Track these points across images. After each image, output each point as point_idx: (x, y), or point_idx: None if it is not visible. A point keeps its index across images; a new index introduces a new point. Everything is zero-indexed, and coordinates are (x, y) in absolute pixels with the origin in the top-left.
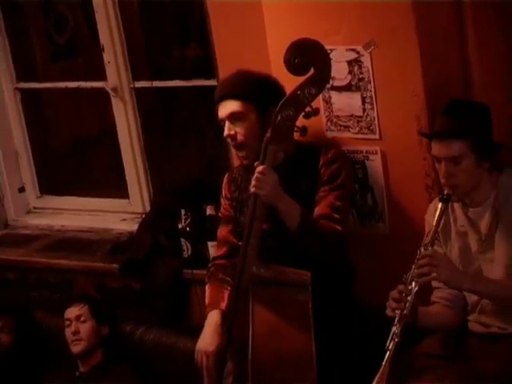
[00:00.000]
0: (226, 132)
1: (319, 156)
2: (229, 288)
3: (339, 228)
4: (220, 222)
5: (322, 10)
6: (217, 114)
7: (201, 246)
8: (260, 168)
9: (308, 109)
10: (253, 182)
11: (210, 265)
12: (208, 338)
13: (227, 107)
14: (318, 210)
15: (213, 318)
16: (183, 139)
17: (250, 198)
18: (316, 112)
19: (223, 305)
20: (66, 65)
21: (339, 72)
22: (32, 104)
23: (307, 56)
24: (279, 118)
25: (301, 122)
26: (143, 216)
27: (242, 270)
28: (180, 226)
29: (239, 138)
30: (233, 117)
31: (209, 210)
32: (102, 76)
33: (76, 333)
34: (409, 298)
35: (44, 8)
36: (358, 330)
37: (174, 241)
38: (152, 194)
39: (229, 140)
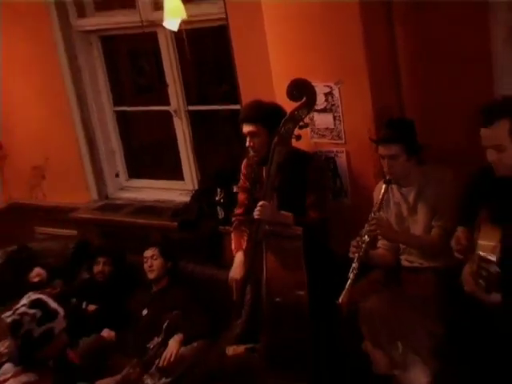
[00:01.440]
0: (247, 143)
1: (307, 162)
2: (246, 235)
3: (322, 215)
4: (239, 190)
5: (309, 62)
6: (241, 130)
7: (230, 211)
8: (260, 203)
9: (301, 123)
10: (256, 212)
11: (233, 219)
12: (237, 270)
13: (246, 128)
14: (308, 201)
15: (238, 257)
16: (219, 143)
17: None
18: (307, 125)
19: (243, 247)
20: (145, 95)
21: (319, 100)
22: (123, 120)
23: (301, 89)
24: (283, 129)
25: (296, 131)
26: (193, 192)
27: (258, 227)
28: (217, 199)
29: (255, 147)
30: (250, 134)
31: (235, 189)
32: (167, 102)
33: (150, 266)
34: (363, 245)
35: (131, 63)
36: (331, 267)
37: (213, 208)
38: (199, 178)
39: (249, 148)
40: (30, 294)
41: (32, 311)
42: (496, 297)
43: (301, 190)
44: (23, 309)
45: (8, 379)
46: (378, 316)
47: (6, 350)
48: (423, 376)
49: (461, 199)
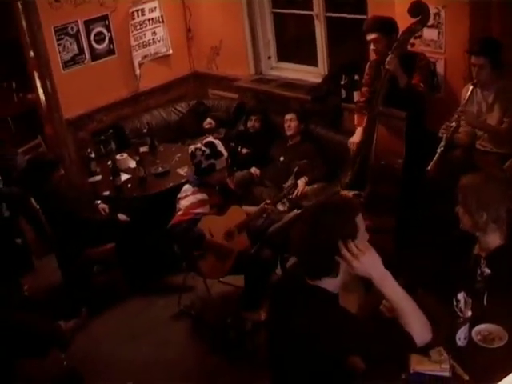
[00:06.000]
0: (371, 47)
1: (417, 56)
2: (365, 117)
3: (423, 90)
4: (364, 85)
5: None
6: (365, 38)
7: (350, 92)
8: (389, 57)
9: (416, 35)
10: (386, 62)
11: (357, 105)
12: (356, 137)
13: (369, 36)
14: (415, 79)
15: (359, 130)
16: (345, 42)
17: (382, 75)
18: (420, 36)
19: (363, 124)
20: (295, 2)
21: None
22: (277, 19)
23: (419, 8)
24: (401, 37)
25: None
26: (324, 75)
27: (375, 108)
28: (342, 83)
29: (378, 51)
30: (373, 40)
31: (356, 77)
32: (311, 8)
33: (289, 126)
34: (451, 129)
35: None
36: (425, 143)
37: (337, 89)
38: (329, 66)
39: (373, 51)
40: (211, 137)
41: (204, 148)
42: None
43: (410, 76)
44: (199, 145)
45: (188, 196)
46: (472, 189)
47: (185, 174)
48: (497, 239)
49: None
